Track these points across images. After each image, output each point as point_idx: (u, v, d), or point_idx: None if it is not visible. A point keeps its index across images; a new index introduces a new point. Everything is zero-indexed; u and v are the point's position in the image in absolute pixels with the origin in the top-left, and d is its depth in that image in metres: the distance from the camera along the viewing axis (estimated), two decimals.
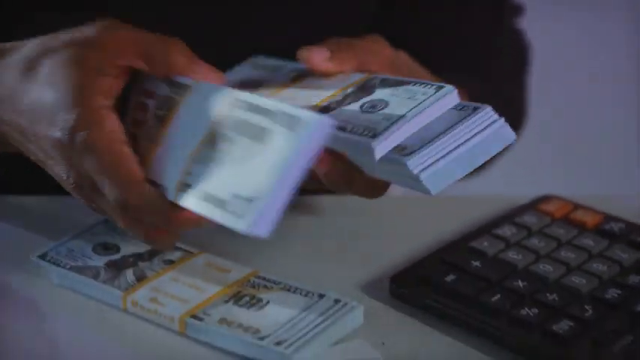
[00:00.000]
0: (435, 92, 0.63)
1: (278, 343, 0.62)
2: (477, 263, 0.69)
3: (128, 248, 0.70)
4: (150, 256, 0.70)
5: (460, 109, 0.62)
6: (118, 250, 0.70)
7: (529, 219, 0.75)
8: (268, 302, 0.65)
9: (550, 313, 0.64)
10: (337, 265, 0.72)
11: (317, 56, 0.68)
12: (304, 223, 0.78)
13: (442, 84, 0.63)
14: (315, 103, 0.66)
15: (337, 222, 0.69)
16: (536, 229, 0.74)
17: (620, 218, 0.75)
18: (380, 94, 0.65)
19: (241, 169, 0.60)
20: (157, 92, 0.66)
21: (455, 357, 0.64)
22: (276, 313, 0.64)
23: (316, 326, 0.63)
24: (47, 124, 0.65)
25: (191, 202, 0.61)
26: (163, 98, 0.66)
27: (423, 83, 0.64)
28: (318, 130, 0.59)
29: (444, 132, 0.61)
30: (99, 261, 0.69)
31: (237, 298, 0.66)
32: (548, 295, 0.66)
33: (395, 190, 0.76)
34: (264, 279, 0.67)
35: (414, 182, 0.60)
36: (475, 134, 0.61)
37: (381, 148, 0.61)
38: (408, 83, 0.64)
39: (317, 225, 0.78)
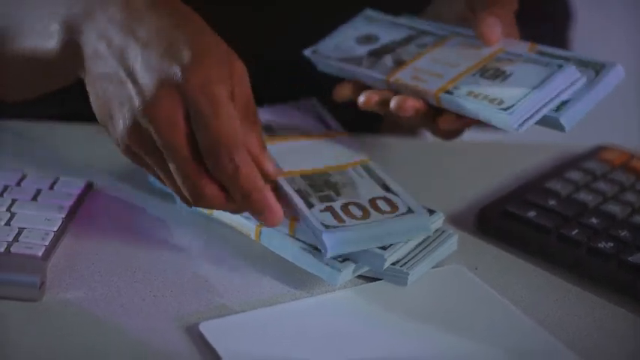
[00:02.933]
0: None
1: (395, 263, 0.70)
2: (553, 202, 0.78)
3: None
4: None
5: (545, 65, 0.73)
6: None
7: (592, 165, 0.84)
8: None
9: (624, 247, 0.73)
10: (423, 202, 0.81)
11: (496, 33, 0.77)
12: (393, 162, 0.86)
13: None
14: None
15: (421, 162, 0.77)
16: (600, 175, 0.83)
17: None
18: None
19: (502, 89, 0.72)
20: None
21: (541, 283, 0.73)
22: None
23: (422, 250, 0.72)
24: (170, 54, 0.65)
25: (456, 100, 0.72)
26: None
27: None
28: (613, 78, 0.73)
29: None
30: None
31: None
32: (619, 231, 0.75)
33: (470, 136, 0.85)
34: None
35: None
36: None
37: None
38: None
39: (404, 164, 0.87)
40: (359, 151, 0.77)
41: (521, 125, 0.71)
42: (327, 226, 0.68)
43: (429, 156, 0.87)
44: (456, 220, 0.79)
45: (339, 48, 0.81)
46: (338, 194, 0.71)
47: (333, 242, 0.67)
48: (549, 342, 0.66)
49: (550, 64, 0.73)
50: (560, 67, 0.72)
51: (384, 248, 0.69)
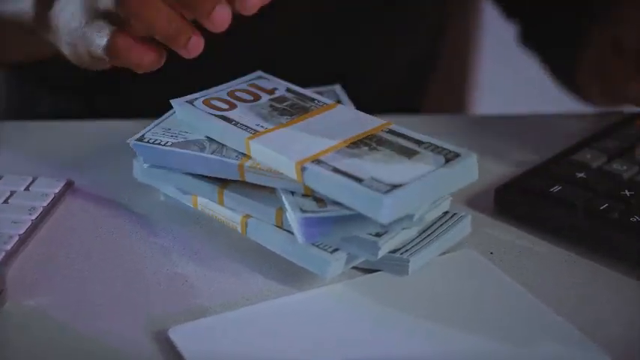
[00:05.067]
0: None
1: (396, 251, 0.62)
2: (581, 174, 0.70)
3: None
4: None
5: None
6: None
7: (628, 132, 0.75)
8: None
9: None
10: None
11: None
12: None
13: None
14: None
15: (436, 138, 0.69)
16: (637, 142, 0.74)
17: None
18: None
19: (382, 167, 0.60)
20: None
21: (563, 265, 0.65)
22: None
23: (428, 235, 0.64)
24: None
25: (324, 173, 0.60)
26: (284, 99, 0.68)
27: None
28: (471, 170, 0.61)
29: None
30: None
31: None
32: None
33: (490, 109, 0.77)
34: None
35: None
36: None
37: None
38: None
39: None
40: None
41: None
42: (303, 211, 0.60)
43: (444, 132, 0.79)
44: (473, 201, 0.71)
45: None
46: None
47: (307, 227, 0.60)
48: (572, 334, 0.57)
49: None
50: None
51: (378, 235, 0.61)
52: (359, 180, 0.59)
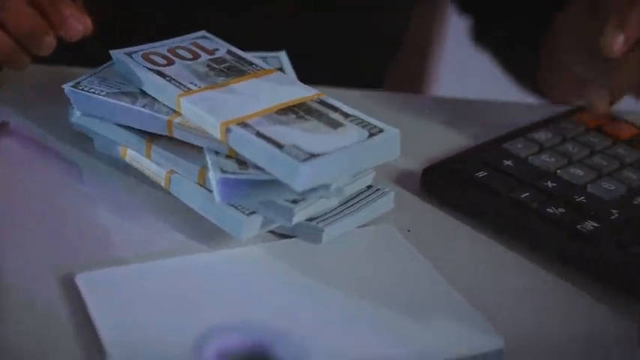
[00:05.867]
0: None
1: (313, 220, 0.63)
2: (508, 162, 0.70)
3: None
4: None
5: None
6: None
7: (565, 126, 0.76)
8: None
9: (576, 214, 0.65)
10: None
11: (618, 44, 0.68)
12: None
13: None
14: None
15: (378, 115, 0.70)
16: (571, 136, 0.74)
17: None
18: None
19: (306, 135, 0.61)
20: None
21: (478, 250, 0.66)
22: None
23: (348, 207, 0.65)
24: None
25: (247, 136, 0.61)
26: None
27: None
28: (393, 146, 0.62)
29: None
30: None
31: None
32: (576, 197, 0.67)
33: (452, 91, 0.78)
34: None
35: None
36: None
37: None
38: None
39: None
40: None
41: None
42: (223, 172, 0.61)
43: (386, 109, 0.79)
44: (401, 180, 0.72)
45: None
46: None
47: (224, 187, 0.61)
48: (469, 314, 0.58)
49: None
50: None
51: (294, 202, 0.62)
52: (280, 146, 0.60)
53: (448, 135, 0.78)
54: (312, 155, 0.59)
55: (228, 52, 0.70)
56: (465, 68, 1.30)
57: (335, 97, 0.66)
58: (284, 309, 0.57)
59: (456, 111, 0.83)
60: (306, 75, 0.74)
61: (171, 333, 0.54)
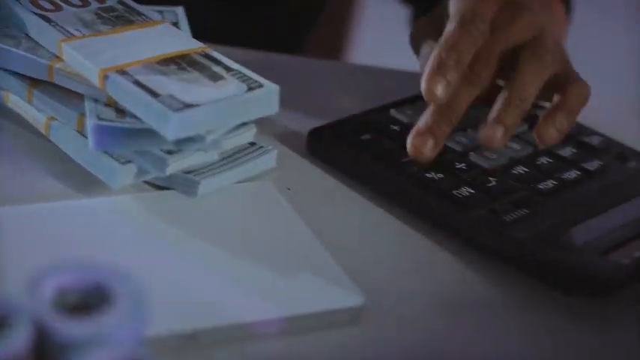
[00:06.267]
0: None
1: (189, 172, 0.63)
2: (395, 127, 0.71)
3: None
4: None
5: None
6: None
7: None
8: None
9: (455, 180, 0.66)
10: None
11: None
12: None
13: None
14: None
15: (272, 77, 0.70)
16: None
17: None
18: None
19: (185, 86, 0.61)
20: None
21: (355, 211, 0.66)
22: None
23: (228, 162, 0.65)
24: None
25: (124, 83, 0.61)
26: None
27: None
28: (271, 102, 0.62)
29: None
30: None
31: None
32: (457, 164, 0.67)
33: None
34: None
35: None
36: None
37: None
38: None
39: None
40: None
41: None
42: (100, 119, 0.61)
43: (284, 71, 0.79)
44: (287, 139, 0.72)
45: None
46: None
47: (98, 135, 0.60)
48: (334, 271, 0.58)
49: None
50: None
51: (169, 152, 0.62)
52: (156, 95, 0.60)
53: (343, 100, 0.78)
54: (187, 105, 0.59)
55: (119, 1, 0.70)
56: (384, 36, 1.30)
57: (236, 58, 0.66)
58: (142, 257, 0.57)
59: (358, 77, 0.83)
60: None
61: (21, 273, 0.54)
